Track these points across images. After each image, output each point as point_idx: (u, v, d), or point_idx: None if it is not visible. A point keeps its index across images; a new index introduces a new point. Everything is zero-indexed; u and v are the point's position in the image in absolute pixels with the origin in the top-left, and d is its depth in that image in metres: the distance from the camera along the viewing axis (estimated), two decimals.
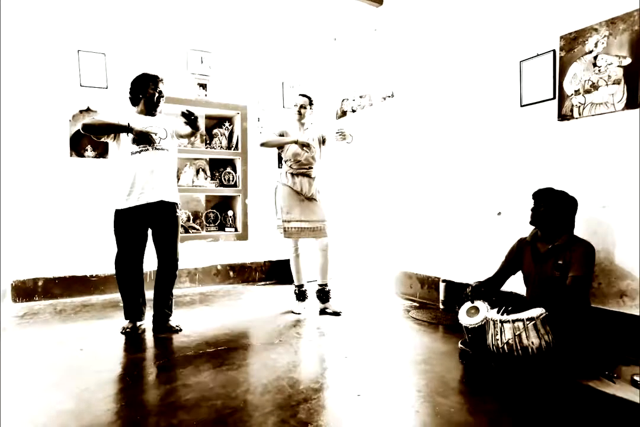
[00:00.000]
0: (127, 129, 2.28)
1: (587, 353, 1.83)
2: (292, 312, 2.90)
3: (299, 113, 2.91)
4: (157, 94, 2.44)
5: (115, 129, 2.30)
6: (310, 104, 2.95)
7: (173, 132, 2.52)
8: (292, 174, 2.91)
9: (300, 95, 2.96)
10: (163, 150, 2.41)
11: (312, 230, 2.86)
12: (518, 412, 1.54)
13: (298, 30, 4.17)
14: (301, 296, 3.01)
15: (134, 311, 2.45)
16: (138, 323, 2.45)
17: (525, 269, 2.11)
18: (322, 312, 2.91)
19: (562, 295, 1.85)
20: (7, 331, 2.50)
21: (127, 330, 2.40)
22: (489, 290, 2.11)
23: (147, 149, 2.35)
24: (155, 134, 2.37)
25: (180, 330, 2.46)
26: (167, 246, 2.44)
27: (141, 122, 2.35)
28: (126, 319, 2.46)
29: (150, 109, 2.44)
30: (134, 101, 2.47)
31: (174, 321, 2.51)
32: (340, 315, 2.85)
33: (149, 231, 2.44)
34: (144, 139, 2.32)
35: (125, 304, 2.45)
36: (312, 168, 2.94)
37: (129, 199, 2.33)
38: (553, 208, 1.94)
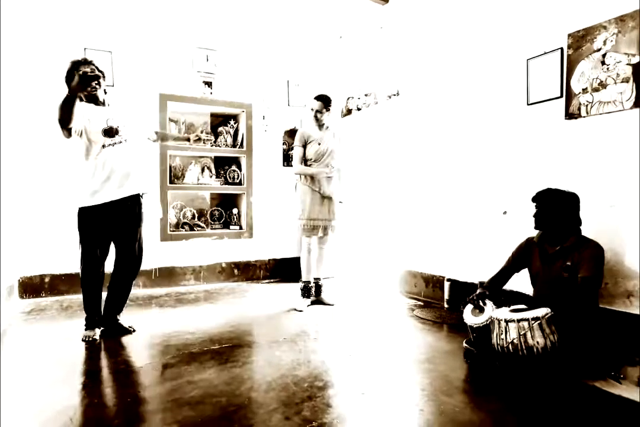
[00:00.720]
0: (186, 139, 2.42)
1: (592, 353, 1.82)
2: (295, 309, 2.92)
3: (316, 118, 3.03)
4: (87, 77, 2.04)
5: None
6: (327, 106, 3.01)
7: (133, 122, 2.38)
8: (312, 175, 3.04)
9: (315, 98, 3.02)
10: (127, 142, 2.29)
11: (324, 228, 3.04)
12: (522, 412, 1.53)
13: (303, 28, 4.16)
14: (307, 292, 3.08)
15: (96, 318, 2.32)
16: (98, 331, 2.31)
17: (533, 270, 2.10)
18: (315, 302, 3.09)
19: (571, 296, 1.84)
20: (14, 326, 2.53)
21: (91, 339, 2.23)
22: (494, 289, 2.11)
23: (121, 142, 2.26)
24: (117, 127, 2.24)
25: (134, 330, 2.39)
26: (135, 240, 2.35)
27: (98, 114, 2.21)
28: (90, 327, 2.29)
29: (94, 98, 2.24)
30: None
31: (127, 322, 2.44)
32: (332, 305, 3.03)
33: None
34: (109, 133, 2.20)
35: (90, 311, 2.30)
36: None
37: (101, 194, 2.19)
38: (555, 209, 1.92)
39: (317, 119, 3.02)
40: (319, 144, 3.02)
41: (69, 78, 2.20)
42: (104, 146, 2.23)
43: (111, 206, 2.24)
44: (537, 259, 2.06)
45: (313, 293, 3.10)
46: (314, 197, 3.00)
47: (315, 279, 3.12)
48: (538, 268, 2.05)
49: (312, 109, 3.03)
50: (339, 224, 3.20)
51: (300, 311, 2.90)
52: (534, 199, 2.01)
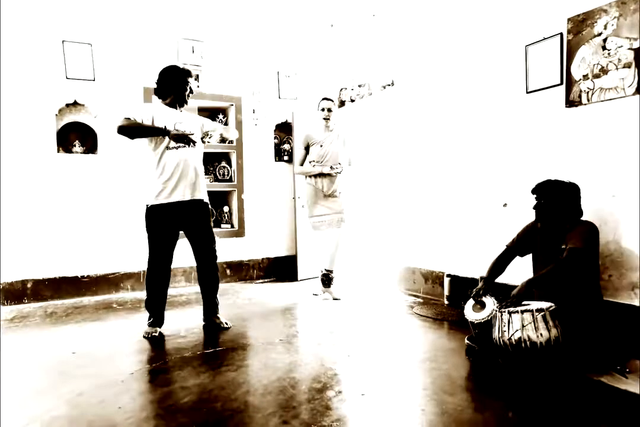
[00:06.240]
0: (164, 132, 2.24)
1: (597, 347, 1.78)
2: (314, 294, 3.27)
3: (327, 117, 3.15)
4: (188, 90, 2.41)
5: (153, 133, 2.26)
6: (335, 104, 3.23)
7: (200, 128, 2.47)
8: (314, 174, 3.19)
9: (324, 99, 3.19)
10: (194, 147, 2.38)
11: (330, 222, 3.17)
12: (526, 409, 1.50)
13: (293, 16, 4.04)
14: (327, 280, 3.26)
15: (160, 316, 2.40)
16: (159, 329, 2.38)
17: (534, 255, 2.06)
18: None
19: (556, 266, 1.78)
20: None
21: (151, 335, 2.31)
22: (495, 275, 2.06)
23: (185, 146, 2.34)
24: (192, 134, 2.32)
25: (229, 327, 2.45)
26: (205, 243, 2.42)
27: (171, 117, 2.34)
28: (153, 325, 2.37)
29: (179, 104, 2.41)
30: (162, 94, 2.41)
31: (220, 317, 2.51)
32: (339, 300, 3.09)
33: (181, 231, 2.43)
34: (181, 140, 2.29)
35: (153, 308, 2.38)
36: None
37: (162, 195, 2.29)
38: (555, 201, 1.88)
39: (328, 118, 3.14)
40: (321, 146, 3.15)
41: (172, 84, 2.38)
42: (167, 148, 2.30)
43: (183, 206, 2.32)
44: (538, 245, 2.02)
45: (321, 282, 3.17)
46: (317, 195, 3.15)
47: (326, 270, 3.17)
48: (539, 253, 2.02)
49: (322, 110, 3.13)
50: (347, 218, 3.27)
51: (315, 294, 3.24)
52: (533, 191, 1.97)
